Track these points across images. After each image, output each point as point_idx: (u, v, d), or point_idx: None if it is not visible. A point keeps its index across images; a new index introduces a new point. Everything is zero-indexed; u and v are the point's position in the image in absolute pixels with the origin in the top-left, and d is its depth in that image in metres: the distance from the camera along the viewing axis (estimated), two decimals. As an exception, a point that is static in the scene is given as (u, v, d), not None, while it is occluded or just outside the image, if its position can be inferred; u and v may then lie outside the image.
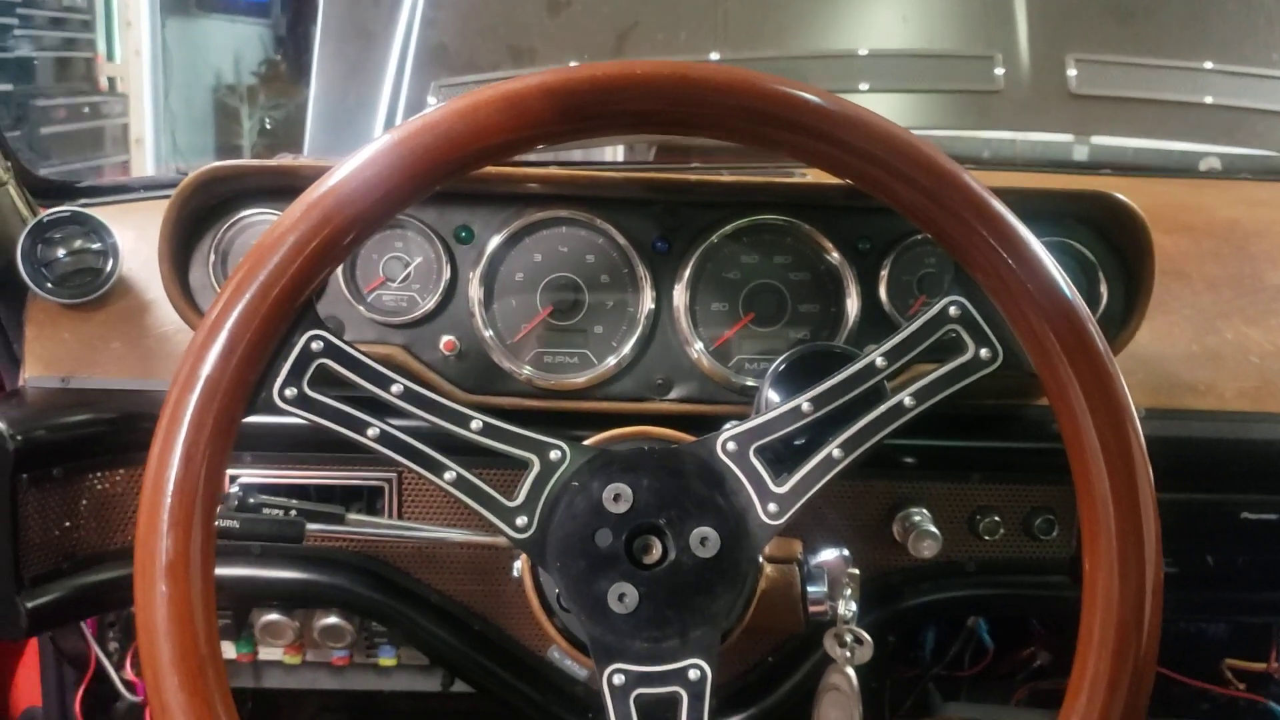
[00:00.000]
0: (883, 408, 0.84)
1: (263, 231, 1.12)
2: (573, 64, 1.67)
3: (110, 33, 5.28)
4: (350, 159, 0.79)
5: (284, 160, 1.19)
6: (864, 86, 1.78)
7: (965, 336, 0.85)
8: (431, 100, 1.71)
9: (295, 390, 0.81)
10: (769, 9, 1.79)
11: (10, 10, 4.44)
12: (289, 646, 1.30)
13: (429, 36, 1.74)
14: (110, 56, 5.31)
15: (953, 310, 0.85)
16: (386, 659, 1.33)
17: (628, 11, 1.78)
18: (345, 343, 0.82)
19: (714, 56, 1.76)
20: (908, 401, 0.84)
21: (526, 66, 1.75)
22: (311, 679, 1.37)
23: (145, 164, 5.28)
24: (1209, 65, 1.83)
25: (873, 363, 0.85)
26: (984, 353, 0.84)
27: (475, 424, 0.84)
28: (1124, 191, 1.54)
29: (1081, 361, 0.80)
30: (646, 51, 1.77)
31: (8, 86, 4.42)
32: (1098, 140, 1.92)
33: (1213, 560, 1.24)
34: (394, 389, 0.83)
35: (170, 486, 0.76)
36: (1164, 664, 1.50)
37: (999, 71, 1.80)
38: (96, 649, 1.31)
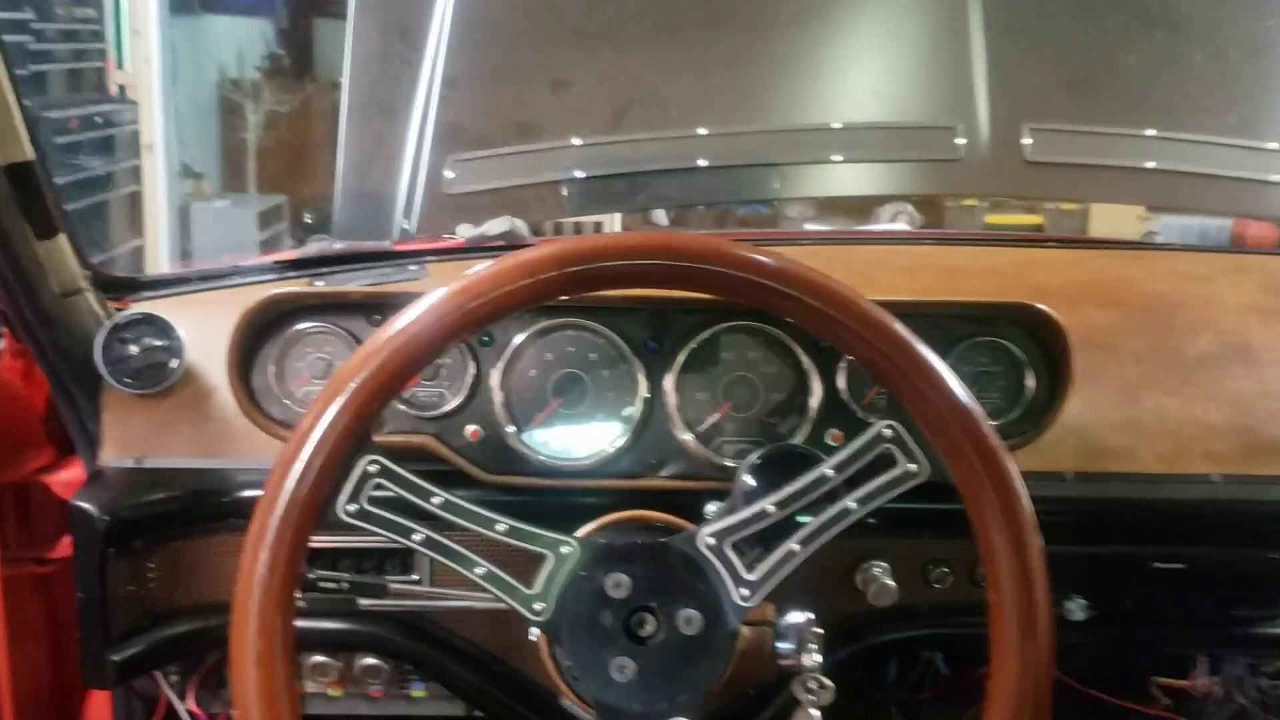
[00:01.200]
0: (833, 510, 1.04)
1: (314, 341, 1.32)
2: (575, 140, 1.85)
3: (120, 41, 5.39)
4: (401, 314, 0.98)
5: (333, 287, 1.36)
6: (837, 157, 1.94)
7: (897, 453, 1.04)
8: (448, 174, 1.87)
9: (357, 506, 0.99)
10: (750, 88, 1.94)
11: (25, 28, 4.56)
12: (333, 683, 1.49)
13: (445, 115, 1.89)
14: (120, 65, 5.42)
15: (886, 432, 1.04)
16: (417, 691, 1.51)
17: (623, 91, 1.93)
18: (395, 464, 1.00)
19: (701, 131, 1.92)
20: (852, 505, 1.04)
21: (533, 141, 1.91)
22: (350, 707, 1.54)
23: (156, 168, 5.41)
24: (1151, 133, 1.98)
25: (824, 473, 1.04)
26: (912, 466, 1.03)
27: (500, 526, 1.02)
28: (1069, 266, 1.72)
29: (990, 474, 0.99)
30: (640, 126, 1.93)
31: (25, 103, 4.54)
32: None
33: (1130, 604, 1.42)
34: (435, 500, 1.02)
35: (258, 590, 0.94)
36: (1098, 686, 1.69)
37: (960, 141, 1.94)
38: (165, 687, 1.49)
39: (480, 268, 0.98)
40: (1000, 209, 2.32)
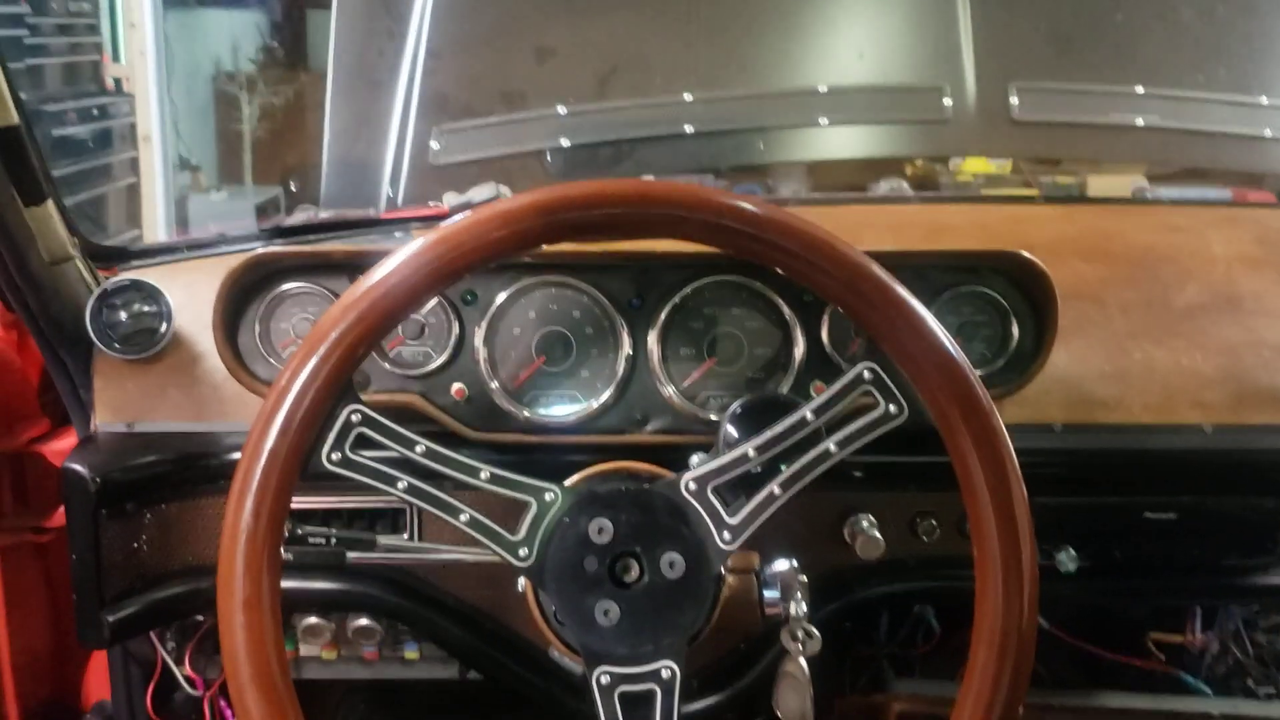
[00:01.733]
0: (813, 453, 1.04)
1: (299, 302, 1.33)
2: (560, 109, 1.86)
3: (115, 35, 5.40)
4: (379, 266, 0.98)
5: (316, 246, 1.37)
6: (824, 120, 1.94)
7: (877, 395, 1.04)
8: (434, 144, 1.88)
9: (340, 454, 1.00)
10: (736, 52, 1.94)
11: (20, 22, 4.56)
12: (326, 644, 1.50)
13: (430, 85, 1.90)
14: (116, 58, 5.43)
15: (866, 374, 1.04)
16: (411, 652, 1.52)
17: (607, 57, 1.93)
18: (378, 413, 1.01)
19: (686, 97, 1.92)
20: (832, 448, 1.04)
21: (519, 110, 1.91)
22: (345, 670, 1.56)
23: (154, 159, 5.42)
24: (1140, 90, 1.98)
25: (804, 416, 1.05)
26: (892, 408, 1.04)
27: (484, 474, 1.03)
28: (1055, 220, 1.72)
29: (969, 415, 0.99)
30: (625, 93, 1.93)
31: (8, 67, 4.53)
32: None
33: (1119, 555, 1.43)
34: (418, 449, 1.02)
35: (244, 538, 0.94)
36: (1093, 640, 1.70)
37: (947, 101, 1.95)
38: (161, 651, 1.50)
39: (458, 218, 0.99)
40: (996, 184, 2.32)
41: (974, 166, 2.17)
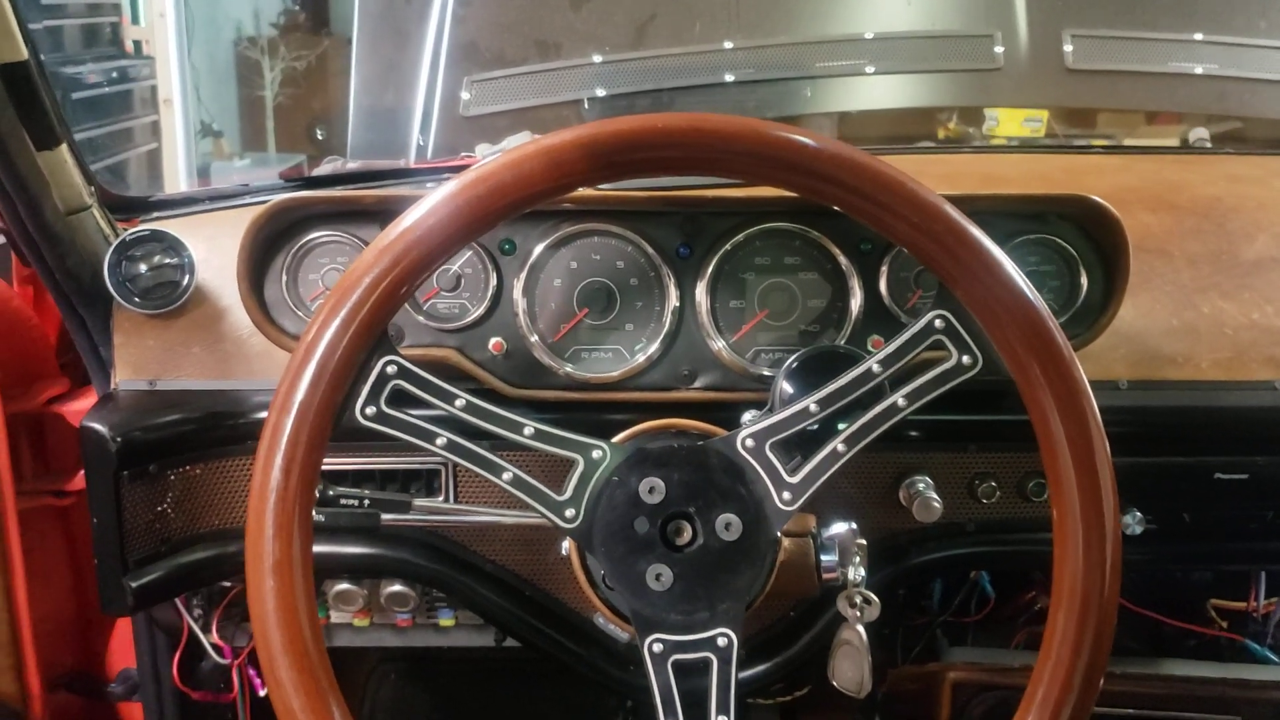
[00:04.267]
0: (879, 408, 0.97)
1: (328, 251, 1.27)
2: (596, 58, 1.79)
3: (135, -4, 5.35)
4: (414, 208, 0.91)
5: (345, 191, 1.31)
6: (870, 69, 1.87)
7: (950, 345, 0.97)
8: (464, 95, 1.81)
9: (375, 409, 0.94)
10: (779, -2, 1.88)
11: (38, -20, 4.51)
12: (359, 612, 1.45)
13: (460, 34, 1.83)
14: (135, 20, 5.38)
15: (938, 323, 0.97)
16: (446, 620, 1.47)
17: (645, 4, 1.86)
18: (415, 365, 0.95)
19: (727, 45, 1.85)
20: (900, 403, 0.97)
21: (552, 59, 1.85)
22: (378, 638, 1.51)
23: (175, 123, 5.37)
24: (1199, 37, 1.91)
25: (870, 369, 0.98)
26: (965, 359, 0.97)
27: (528, 430, 0.97)
28: (1116, 171, 1.64)
29: (1049, 366, 0.92)
30: (664, 41, 1.86)
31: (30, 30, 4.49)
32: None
33: (1189, 517, 1.36)
34: (458, 404, 0.96)
35: (273, 497, 0.89)
36: (1152, 607, 1.63)
37: (998, 50, 1.88)
38: (187, 618, 1.45)
39: (497, 155, 0.92)
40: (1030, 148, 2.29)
41: (1007, 130, 2.09)
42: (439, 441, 0.95)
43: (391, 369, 0.94)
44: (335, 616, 1.47)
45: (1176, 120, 2.04)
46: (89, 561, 1.27)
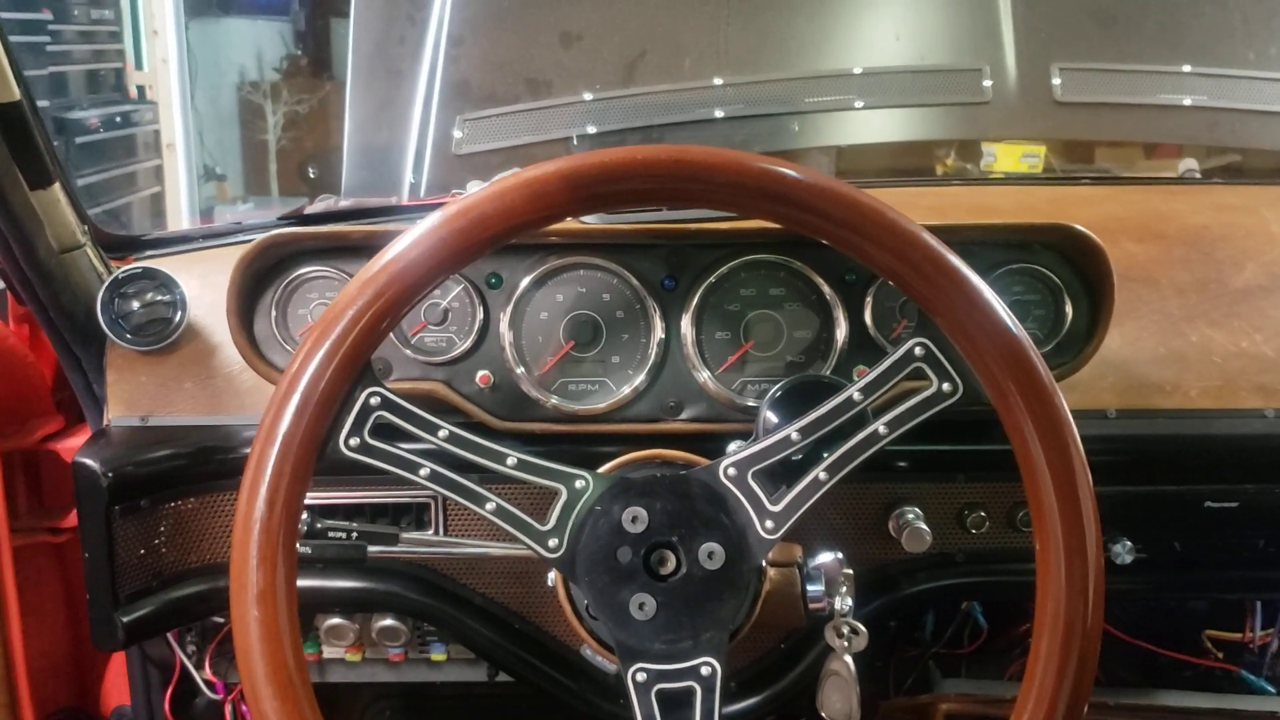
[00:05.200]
0: (860, 436, 0.97)
1: (316, 287, 1.28)
2: (587, 95, 1.81)
3: (138, 42, 5.39)
4: (396, 241, 0.93)
5: (333, 227, 1.32)
6: (859, 104, 1.88)
7: (930, 373, 0.97)
8: (457, 133, 1.83)
9: (358, 440, 0.95)
10: (767, 34, 1.89)
11: (42, 29, 4.55)
12: (350, 646, 1.45)
13: (452, 73, 1.85)
14: (139, 65, 5.42)
15: (918, 350, 0.97)
16: (438, 654, 1.47)
17: (635, 42, 1.88)
18: (398, 396, 0.95)
19: (717, 81, 1.87)
20: (882, 430, 0.97)
21: (544, 97, 1.86)
22: (370, 673, 1.51)
23: (178, 166, 5.42)
24: (1187, 69, 1.92)
25: (851, 397, 0.98)
26: (946, 387, 0.97)
27: (510, 460, 0.97)
28: (1103, 201, 1.65)
29: (1029, 393, 0.93)
30: (654, 78, 1.88)
31: (44, 102, 4.53)
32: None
33: (1179, 546, 1.36)
34: (441, 434, 0.97)
35: (257, 528, 0.89)
36: (1148, 638, 1.63)
37: (987, 83, 1.89)
38: (180, 654, 1.45)
39: (480, 187, 0.93)
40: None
41: (1005, 165, 2.11)
42: (422, 472, 0.96)
43: (375, 400, 0.95)
44: (328, 652, 1.47)
45: (1175, 154, 2.05)
46: (84, 598, 1.27)
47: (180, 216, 5.41)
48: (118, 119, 5.20)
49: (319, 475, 1.26)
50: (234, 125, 6.32)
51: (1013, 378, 0.93)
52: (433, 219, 0.92)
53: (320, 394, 0.91)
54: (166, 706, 1.49)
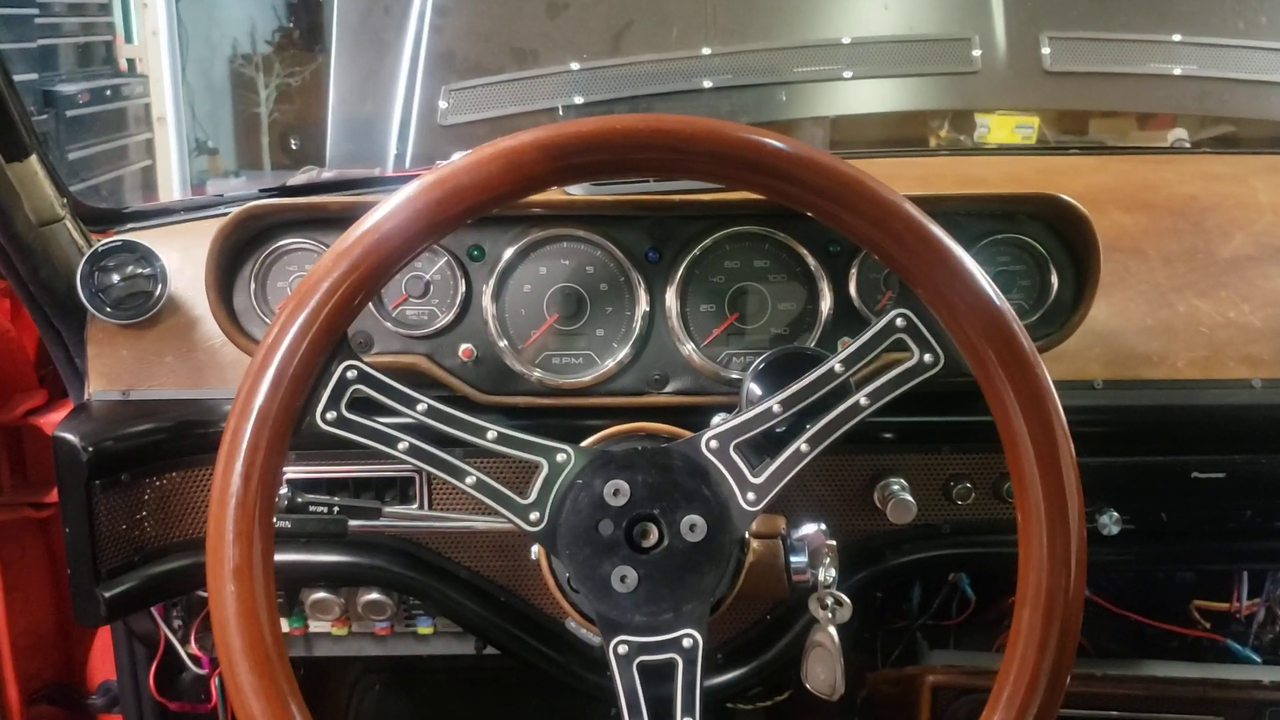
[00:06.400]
0: (841, 407, 0.97)
1: (296, 259, 1.26)
2: (574, 65, 1.79)
3: (127, 15, 5.35)
4: (373, 211, 0.91)
5: (311, 198, 1.30)
6: (848, 74, 1.87)
7: (911, 343, 0.97)
8: (442, 104, 1.81)
9: (335, 414, 0.94)
10: (755, 4, 1.87)
11: (30, 1, 4.51)
12: (336, 620, 1.45)
13: (437, 43, 1.83)
14: (129, 39, 5.39)
15: (899, 321, 0.97)
16: (424, 628, 1.47)
17: (622, 11, 1.86)
18: (376, 370, 0.95)
19: (705, 51, 1.85)
20: (863, 401, 0.97)
21: (530, 67, 1.85)
22: (357, 647, 1.51)
23: (169, 140, 5.38)
24: (1177, 38, 1.90)
25: (832, 368, 0.98)
26: (927, 358, 0.96)
27: (490, 434, 0.97)
28: (1091, 171, 1.64)
29: (1010, 362, 0.92)
30: (641, 48, 1.86)
31: (33, 75, 4.50)
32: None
33: (1166, 517, 1.36)
34: (419, 408, 0.96)
35: (233, 502, 0.89)
36: (1136, 609, 1.63)
37: (976, 53, 1.88)
38: (165, 629, 1.45)
39: (456, 157, 0.92)
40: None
41: (999, 137, 2.09)
42: (401, 446, 0.95)
43: (352, 374, 0.94)
44: (314, 625, 1.46)
45: (1169, 124, 2.04)
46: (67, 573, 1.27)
47: (171, 190, 5.38)
48: (108, 92, 5.16)
49: (302, 449, 1.26)
50: (226, 98, 6.28)
51: (993, 348, 0.92)
52: (408, 189, 0.91)
53: (296, 367, 0.90)
54: (152, 681, 1.48)
